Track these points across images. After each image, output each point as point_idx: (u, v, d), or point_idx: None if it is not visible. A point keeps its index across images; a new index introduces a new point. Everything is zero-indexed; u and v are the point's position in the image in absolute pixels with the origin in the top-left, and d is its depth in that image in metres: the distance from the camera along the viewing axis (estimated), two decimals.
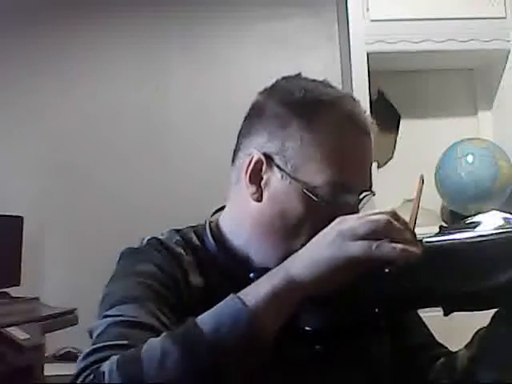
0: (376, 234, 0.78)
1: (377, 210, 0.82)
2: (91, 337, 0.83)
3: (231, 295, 0.78)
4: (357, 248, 0.77)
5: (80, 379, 0.74)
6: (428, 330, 1.09)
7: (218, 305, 0.78)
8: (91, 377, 0.73)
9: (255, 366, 0.76)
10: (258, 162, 0.95)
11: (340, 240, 0.78)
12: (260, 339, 0.76)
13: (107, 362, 0.73)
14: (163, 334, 0.76)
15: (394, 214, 0.80)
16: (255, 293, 0.78)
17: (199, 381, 0.73)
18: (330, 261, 0.78)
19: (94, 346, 0.78)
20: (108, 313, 0.85)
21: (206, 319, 0.77)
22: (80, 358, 0.78)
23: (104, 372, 0.72)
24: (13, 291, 2.51)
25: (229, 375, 0.74)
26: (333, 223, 0.82)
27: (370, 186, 0.97)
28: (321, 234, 0.82)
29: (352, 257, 0.77)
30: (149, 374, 0.72)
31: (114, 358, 0.74)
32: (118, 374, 0.72)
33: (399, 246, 0.76)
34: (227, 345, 0.74)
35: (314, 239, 0.83)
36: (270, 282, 0.79)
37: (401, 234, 0.78)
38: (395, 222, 0.79)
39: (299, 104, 0.95)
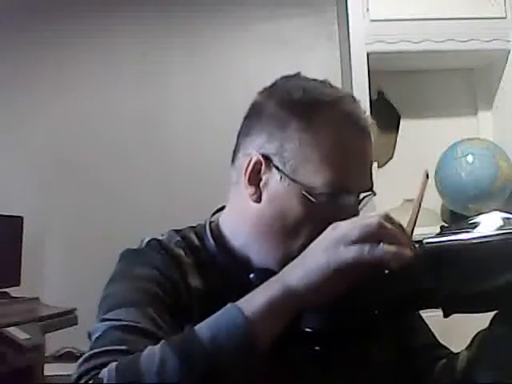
0: (368, 237, 0.77)
1: (370, 214, 0.81)
2: (90, 339, 0.83)
3: (229, 304, 0.78)
4: (349, 253, 0.76)
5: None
6: (430, 330, 1.09)
7: (217, 313, 0.78)
8: (90, 382, 0.73)
9: (252, 373, 0.76)
10: (257, 163, 0.94)
11: (333, 246, 0.78)
12: (257, 348, 0.75)
13: (106, 369, 0.73)
14: (162, 341, 0.76)
15: (387, 217, 0.79)
16: (252, 302, 0.78)
17: None
18: (323, 268, 0.77)
19: (94, 351, 0.78)
20: (107, 316, 0.85)
21: (204, 328, 0.76)
22: (79, 361, 0.77)
23: (103, 378, 0.72)
24: (13, 291, 2.51)
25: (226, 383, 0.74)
26: (326, 230, 0.81)
27: (371, 187, 0.97)
28: (315, 241, 0.81)
29: (345, 262, 0.76)
30: (147, 381, 0.72)
31: (114, 364, 0.73)
32: (117, 381, 0.72)
33: (391, 248, 0.76)
34: (225, 354, 0.74)
35: (308, 247, 0.82)
36: (267, 291, 0.79)
37: (394, 237, 0.77)
38: (388, 225, 0.78)
39: (298, 104, 0.94)
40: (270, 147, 0.94)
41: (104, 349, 0.78)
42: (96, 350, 0.78)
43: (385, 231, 0.77)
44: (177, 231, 1.02)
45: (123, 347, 0.78)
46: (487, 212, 0.86)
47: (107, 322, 0.83)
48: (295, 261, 0.82)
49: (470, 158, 2.85)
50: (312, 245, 0.81)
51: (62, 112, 2.88)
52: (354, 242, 0.77)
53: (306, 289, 0.78)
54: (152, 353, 0.74)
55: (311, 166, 0.92)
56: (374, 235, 0.77)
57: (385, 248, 0.76)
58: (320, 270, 0.77)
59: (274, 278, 0.81)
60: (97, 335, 0.82)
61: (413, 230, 1.00)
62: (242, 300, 0.79)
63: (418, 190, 0.98)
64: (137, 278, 0.91)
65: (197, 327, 0.77)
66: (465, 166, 2.85)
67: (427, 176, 0.95)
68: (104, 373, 0.73)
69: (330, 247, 0.78)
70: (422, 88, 3.17)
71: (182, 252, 0.98)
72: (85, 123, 2.88)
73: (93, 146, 2.87)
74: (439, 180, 2.94)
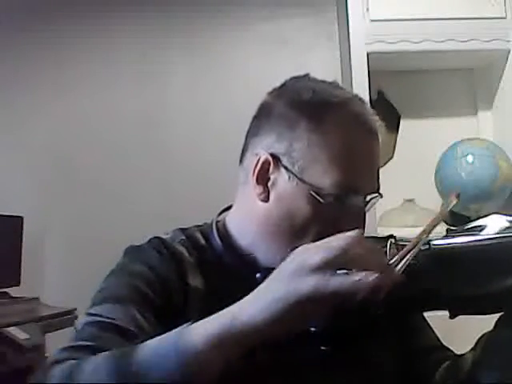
0: (330, 264, 0.69)
1: (338, 236, 0.73)
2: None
3: (184, 325, 0.73)
4: (308, 285, 0.68)
5: (36, 376, 0.74)
6: (434, 332, 1.08)
7: (170, 332, 0.73)
8: (42, 375, 0.73)
9: None
10: (266, 163, 0.95)
11: (293, 276, 0.70)
12: (193, 379, 0.69)
13: (60, 366, 0.73)
14: (110, 351, 0.74)
15: (357, 238, 0.71)
16: (202, 329, 0.71)
17: None
18: (283, 302, 0.69)
19: (65, 345, 0.79)
20: (90, 311, 0.86)
21: (150, 343, 0.73)
22: (52, 353, 0.78)
23: (52, 374, 0.72)
24: (13, 291, 2.51)
25: None
26: (289, 257, 0.73)
27: (378, 188, 0.97)
28: (277, 269, 0.73)
29: (304, 295, 0.68)
30: None
31: (66, 363, 0.73)
32: (58, 382, 0.71)
33: (352, 277, 0.68)
34: (152, 376, 0.69)
35: (270, 276, 0.74)
36: (220, 320, 0.72)
37: (361, 262, 0.70)
38: (354, 249, 0.70)
39: (307, 105, 0.94)
40: (278, 147, 0.94)
41: (74, 344, 0.78)
42: (66, 345, 0.79)
43: (350, 256, 0.70)
44: (182, 230, 1.03)
45: (93, 343, 0.77)
46: (487, 215, 0.86)
47: (88, 318, 0.84)
48: (255, 291, 0.74)
49: (469, 158, 2.85)
50: (274, 273, 0.73)
51: (62, 112, 2.87)
52: (314, 271, 0.69)
53: (265, 323, 0.70)
54: (94, 362, 0.72)
55: (320, 167, 0.92)
56: (336, 261, 0.69)
57: (345, 277, 0.68)
58: (280, 303, 0.70)
59: (230, 308, 0.73)
60: (77, 329, 0.83)
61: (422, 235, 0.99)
62: (198, 323, 0.73)
63: (441, 211, 0.94)
64: (130, 274, 0.92)
65: (148, 341, 0.73)
66: (465, 166, 2.85)
67: (457, 197, 0.86)
68: (55, 369, 0.73)
69: (290, 277, 0.70)
70: (422, 88, 3.17)
71: (184, 250, 0.97)
72: (85, 123, 2.88)
73: (93, 146, 2.86)
74: (439, 180, 2.94)
